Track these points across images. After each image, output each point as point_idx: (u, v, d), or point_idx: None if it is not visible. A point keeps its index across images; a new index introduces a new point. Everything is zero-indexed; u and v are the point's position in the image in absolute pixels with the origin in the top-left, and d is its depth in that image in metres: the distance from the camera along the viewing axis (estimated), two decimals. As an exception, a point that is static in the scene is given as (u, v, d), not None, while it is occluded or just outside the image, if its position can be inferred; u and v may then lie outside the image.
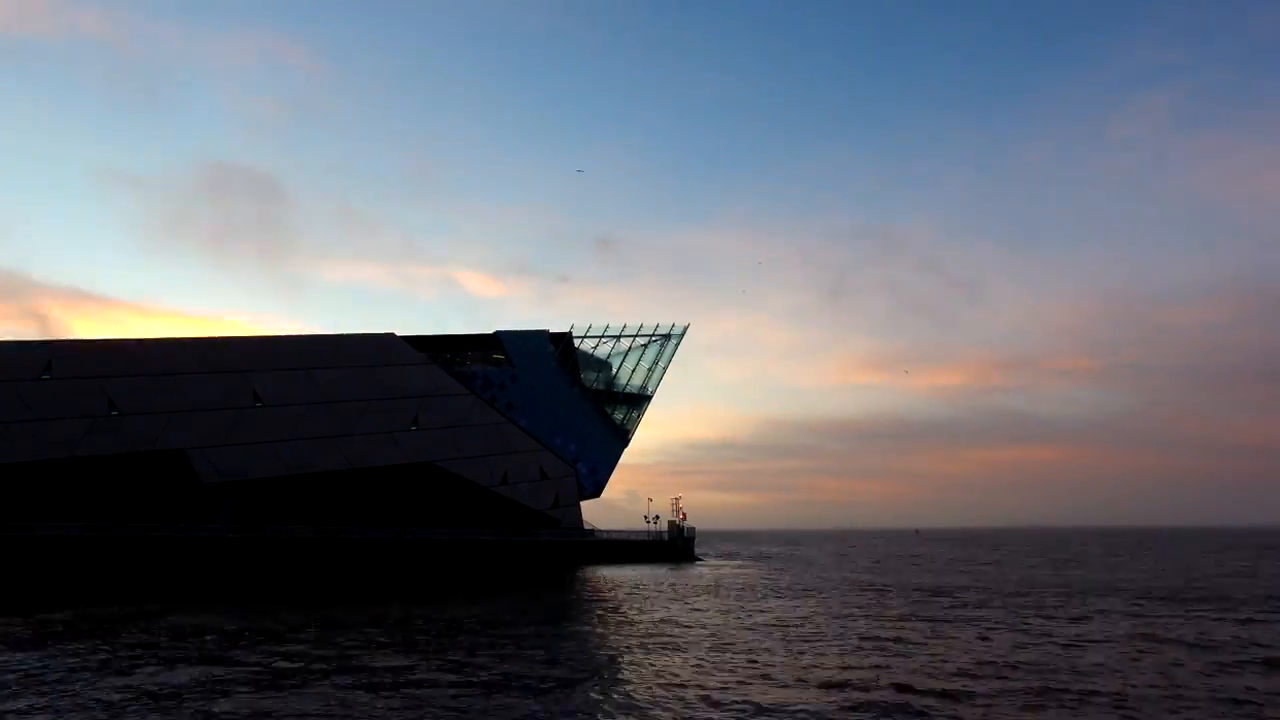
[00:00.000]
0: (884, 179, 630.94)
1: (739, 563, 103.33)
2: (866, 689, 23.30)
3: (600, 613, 44.17)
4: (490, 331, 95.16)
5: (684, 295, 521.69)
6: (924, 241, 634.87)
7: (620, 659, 28.97)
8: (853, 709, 21.11)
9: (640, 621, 39.45)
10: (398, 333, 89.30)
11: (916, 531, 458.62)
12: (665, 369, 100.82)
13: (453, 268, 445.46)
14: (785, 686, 23.76)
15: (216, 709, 20.94)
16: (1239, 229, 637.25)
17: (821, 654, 29.50)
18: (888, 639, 32.89)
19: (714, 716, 20.40)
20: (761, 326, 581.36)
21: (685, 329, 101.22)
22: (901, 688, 23.29)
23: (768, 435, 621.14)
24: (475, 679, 24.67)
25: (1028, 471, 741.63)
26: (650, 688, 23.61)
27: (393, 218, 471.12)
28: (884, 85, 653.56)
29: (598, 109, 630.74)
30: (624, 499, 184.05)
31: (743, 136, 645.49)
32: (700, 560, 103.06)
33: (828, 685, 23.84)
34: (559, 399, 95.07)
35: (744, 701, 21.84)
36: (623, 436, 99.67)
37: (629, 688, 23.72)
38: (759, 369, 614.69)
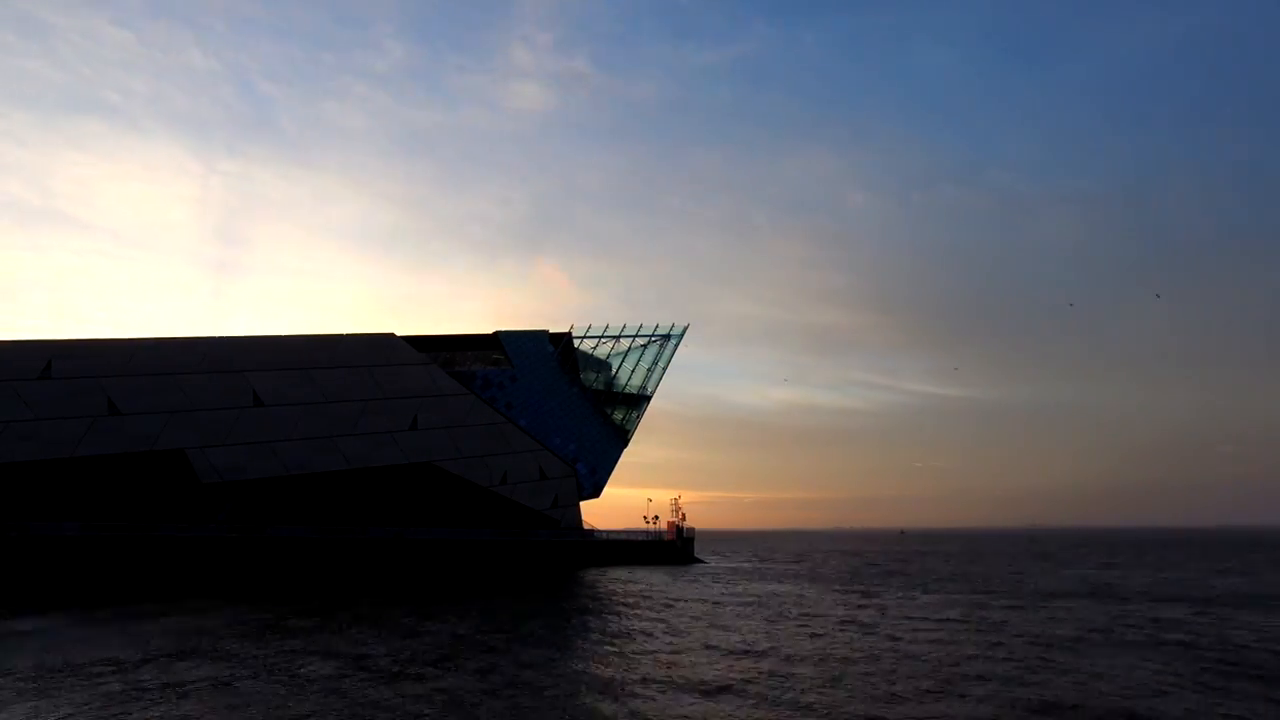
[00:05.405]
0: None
1: (744, 569, 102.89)
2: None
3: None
4: (490, 332, 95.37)
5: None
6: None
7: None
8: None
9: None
10: (398, 333, 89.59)
11: (902, 532, 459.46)
12: (665, 369, 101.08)
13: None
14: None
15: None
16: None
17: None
18: None
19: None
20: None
21: (685, 329, 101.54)
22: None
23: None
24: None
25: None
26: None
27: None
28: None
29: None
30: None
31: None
32: (701, 562, 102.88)
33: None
34: (558, 399, 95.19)
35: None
36: (622, 437, 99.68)
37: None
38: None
